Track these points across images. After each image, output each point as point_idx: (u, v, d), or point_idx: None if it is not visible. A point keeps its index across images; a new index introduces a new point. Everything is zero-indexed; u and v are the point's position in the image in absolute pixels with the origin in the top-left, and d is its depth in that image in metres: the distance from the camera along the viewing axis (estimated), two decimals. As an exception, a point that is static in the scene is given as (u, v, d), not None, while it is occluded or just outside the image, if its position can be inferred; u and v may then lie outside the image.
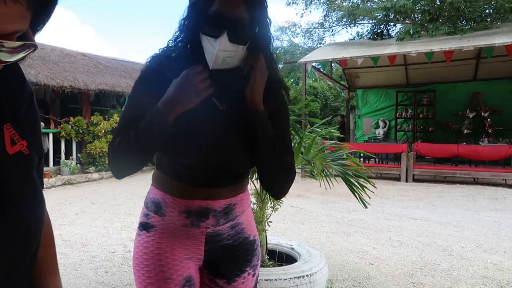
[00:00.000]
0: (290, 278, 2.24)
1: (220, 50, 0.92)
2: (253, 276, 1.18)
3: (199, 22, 0.97)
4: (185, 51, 1.04)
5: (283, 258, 2.71)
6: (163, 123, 0.93)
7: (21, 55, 0.51)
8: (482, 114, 10.99)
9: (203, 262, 1.12)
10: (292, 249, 2.74)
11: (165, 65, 1.02)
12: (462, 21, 12.27)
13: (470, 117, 11.16)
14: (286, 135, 1.13)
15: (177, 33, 1.05)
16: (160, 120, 0.93)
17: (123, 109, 1.12)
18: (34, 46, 0.52)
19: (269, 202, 2.57)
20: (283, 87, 1.14)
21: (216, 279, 1.14)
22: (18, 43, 0.49)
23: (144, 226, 1.11)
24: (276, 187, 1.12)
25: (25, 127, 0.63)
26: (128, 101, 1.07)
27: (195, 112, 0.98)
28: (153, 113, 0.93)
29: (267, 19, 1.02)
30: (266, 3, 1.02)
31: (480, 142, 10.36)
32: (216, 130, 1.02)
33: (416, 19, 13.84)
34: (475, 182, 8.62)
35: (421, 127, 12.17)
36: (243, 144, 1.05)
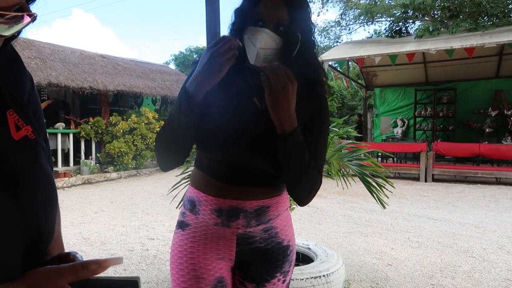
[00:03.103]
0: (307, 278, 2.23)
1: (260, 48, 0.95)
2: (283, 282, 1.15)
3: (243, 26, 1.01)
4: None
5: (299, 258, 2.69)
6: (189, 100, 0.94)
7: (19, 27, 0.51)
8: (505, 112, 10.68)
9: (235, 263, 1.11)
10: (309, 249, 2.72)
11: None
12: (484, 17, 11.97)
13: (493, 115, 10.87)
14: (318, 147, 1.07)
15: None
16: (186, 97, 0.94)
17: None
18: (32, 16, 0.52)
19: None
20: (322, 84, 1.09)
21: (246, 282, 1.13)
22: (17, 14, 0.49)
23: (180, 225, 1.13)
24: (302, 198, 1.07)
25: (29, 113, 0.63)
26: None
27: (233, 108, 1.01)
28: (181, 92, 0.96)
29: (310, 24, 1.05)
30: (310, 9, 1.05)
31: (503, 141, 10.09)
32: (251, 128, 1.02)
33: (436, 16, 13.57)
34: (498, 182, 8.40)
35: (441, 126, 11.91)
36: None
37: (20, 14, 0.50)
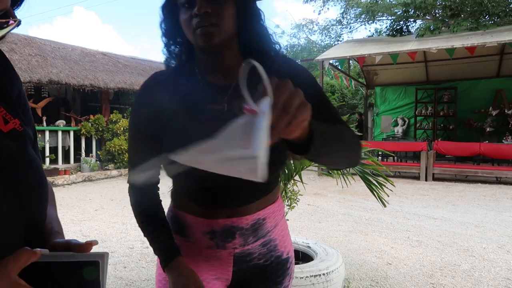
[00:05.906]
0: (307, 277, 2.23)
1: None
2: None
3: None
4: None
5: (299, 256, 2.70)
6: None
7: (4, 31, 0.55)
8: (506, 111, 10.68)
9: (231, 282, 1.02)
10: (309, 247, 2.72)
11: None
12: (485, 16, 11.95)
13: (493, 114, 10.85)
14: (330, 108, 0.90)
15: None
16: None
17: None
18: (17, 21, 0.56)
19: (286, 200, 2.56)
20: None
21: None
22: (1, 20, 0.54)
23: None
24: (358, 160, 0.92)
25: (17, 108, 0.68)
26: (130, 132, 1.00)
27: (192, 125, 0.87)
28: (164, 257, 0.93)
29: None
30: None
31: (503, 141, 10.08)
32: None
33: (437, 15, 13.54)
34: (498, 181, 8.40)
35: (442, 125, 11.90)
36: None
37: (4, 20, 0.54)
